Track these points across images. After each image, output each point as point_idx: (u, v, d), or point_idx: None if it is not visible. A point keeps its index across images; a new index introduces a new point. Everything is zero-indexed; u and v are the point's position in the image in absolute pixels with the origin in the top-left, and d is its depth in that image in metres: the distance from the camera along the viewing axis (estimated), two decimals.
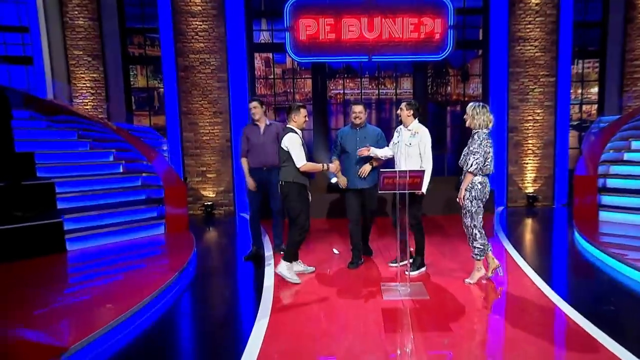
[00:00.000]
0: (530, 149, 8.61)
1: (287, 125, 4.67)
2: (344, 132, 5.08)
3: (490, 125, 4.34)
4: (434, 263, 5.19)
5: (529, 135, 8.59)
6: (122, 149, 7.37)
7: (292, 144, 4.51)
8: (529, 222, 7.84)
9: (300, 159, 4.50)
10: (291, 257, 4.71)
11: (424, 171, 4.25)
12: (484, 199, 4.36)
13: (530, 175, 8.64)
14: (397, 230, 4.46)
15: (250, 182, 5.36)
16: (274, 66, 9.25)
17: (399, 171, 4.16)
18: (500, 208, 8.45)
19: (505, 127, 8.53)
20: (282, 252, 5.08)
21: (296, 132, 4.61)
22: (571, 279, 5.07)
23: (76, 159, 6.99)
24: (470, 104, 4.38)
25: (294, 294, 4.44)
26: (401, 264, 4.55)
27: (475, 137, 4.30)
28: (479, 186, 4.30)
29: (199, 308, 4.40)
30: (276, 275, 4.80)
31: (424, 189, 4.49)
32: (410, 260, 4.81)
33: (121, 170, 7.18)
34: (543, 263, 5.49)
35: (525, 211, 8.38)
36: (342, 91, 9.36)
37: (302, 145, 4.59)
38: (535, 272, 4.84)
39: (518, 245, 6.03)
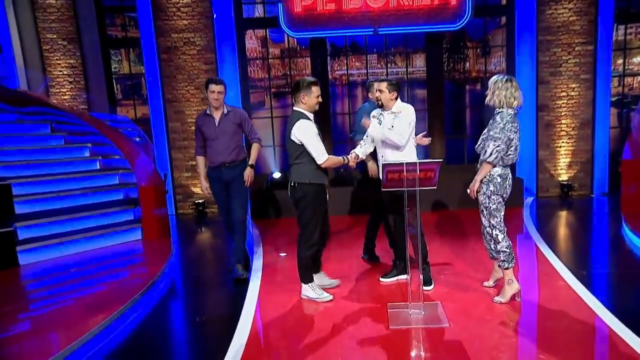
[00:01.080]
0: (563, 130, 7.43)
1: (296, 109, 3.66)
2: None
3: (516, 104, 3.38)
4: (453, 272, 4.24)
5: (563, 114, 7.41)
6: (98, 143, 6.53)
7: (307, 134, 3.53)
8: (563, 215, 6.79)
9: (320, 153, 3.54)
10: (306, 277, 3.81)
11: (439, 162, 3.24)
12: (505, 195, 3.47)
13: (564, 161, 7.48)
14: (404, 235, 3.49)
15: (204, 185, 4.46)
16: (267, 44, 8.23)
17: (406, 163, 3.17)
18: (530, 199, 7.33)
19: (535, 106, 7.37)
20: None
21: (308, 118, 3.62)
22: (622, 288, 4.04)
23: (48, 154, 6.18)
24: (495, 76, 3.47)
25: (276, 323, 3.51)
26: (402, 277, 3.91)
27: (498, 118, 3.37)
28: (498, 179, 3.38)
29: (155, 345, 3.47)
30: (261, 298, 3.91)
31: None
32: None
33: (98, 167, 6.35)
34: (586, 266, 4.49)
35: (559, 202, 7.25)
36: (346, 72, 8.31)
37: (318, 133, 3.62)
38: (577, 277, 3.88)
39: (552, 243, 5.05)
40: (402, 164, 3.16)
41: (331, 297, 3.76)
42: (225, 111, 4.28)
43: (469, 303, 3.58)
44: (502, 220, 3.49)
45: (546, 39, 7.30)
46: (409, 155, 3.72)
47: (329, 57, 8.08)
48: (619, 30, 8.02)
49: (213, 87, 4.17)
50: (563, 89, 7.37)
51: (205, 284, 4.69)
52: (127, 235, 5.56)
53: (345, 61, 8.29)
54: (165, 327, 3.76)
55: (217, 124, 4.26)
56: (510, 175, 3.47)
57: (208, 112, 4.30)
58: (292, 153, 3.65)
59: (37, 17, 7.48)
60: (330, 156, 3.60)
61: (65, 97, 7.68)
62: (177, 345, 3.48)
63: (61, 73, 7.64)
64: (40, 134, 6.50)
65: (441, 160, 3.38)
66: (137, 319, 3.70)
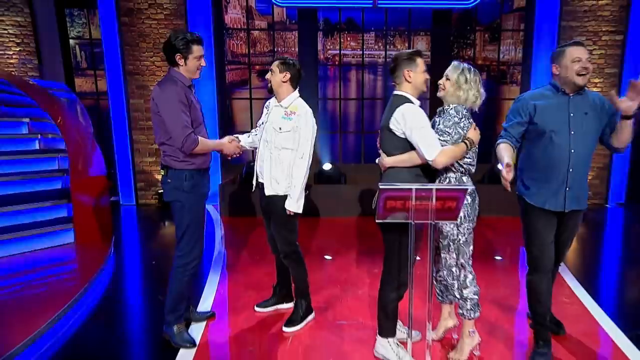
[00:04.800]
0: None
1: (397, 92, 2.38)
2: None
3: (477, 105, 2.44)
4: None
5: None
6: (38, 118, 5.17)
7: (418, 122, 2.23)
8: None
9: (433, 147, 2.17)
10: (388, 329, 2.52)
11: (466, 190, 2.00)
12: (474, 219, 2.44)
13: None
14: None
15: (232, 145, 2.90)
16: (250, 14, 6.83)
17: (416, 189, 1.92)
18: None
19: None
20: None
21: (413, 102, 2.33)
22: None
23: None
24: (455, 63, 2.44)
25: None
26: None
27: (452, 111, 2.40)
28: (468, 199, 2.34)
29: None
30: (198, 357, 2.69)
31: (294, 208, 2.74)
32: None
33: (37, 147, 5.00)
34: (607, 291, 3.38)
35: None
36: (339, 52, 6.98)
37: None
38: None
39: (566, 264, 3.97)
40: (410, 189, 1.90)
41: None
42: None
43: None
44: (471, 257, 2.46)
45: (570, 25, 6.06)
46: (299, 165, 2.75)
47: (321, 34, 6.75)
48: None
49: (201, 49, 2.67)
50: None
51: (145, 303, 3.47)
52: (60, 236, 4.28)
53: (338, 39, 6.94)
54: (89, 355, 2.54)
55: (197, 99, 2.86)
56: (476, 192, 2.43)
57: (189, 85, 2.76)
58: (388, 149, 2.37)
59: None
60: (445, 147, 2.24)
61: (11, 62, 6.28)
62: None
63: (5, 32, 6.22)
64: None
65: (468, 187, 2.12)
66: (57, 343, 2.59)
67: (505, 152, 2.37)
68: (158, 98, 2.59)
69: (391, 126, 2.30)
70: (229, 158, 3.00)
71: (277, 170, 2.76)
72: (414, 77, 2.33)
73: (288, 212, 2.76)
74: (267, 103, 2.96)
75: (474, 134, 2.33)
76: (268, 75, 2.78)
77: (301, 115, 2.74)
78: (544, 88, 2.46)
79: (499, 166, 2.27)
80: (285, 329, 2.92)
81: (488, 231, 5.03)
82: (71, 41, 6.77)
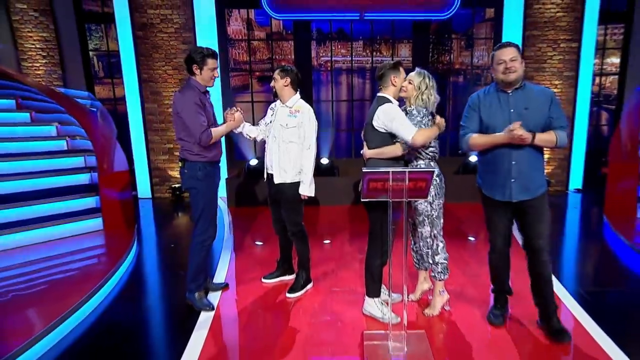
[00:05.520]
0: None
1: (381, 94, 2.69)
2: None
3: (433, 106, 2.76)
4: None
5: None
6: (66, 122, 5.41)
7: (396, 115, 2.55)
8: None
9: (411, 129, 2.49)
10: (373, 290, 2.84)
11: (432, 172, 2.30)
12: (443, 196, 2.78)
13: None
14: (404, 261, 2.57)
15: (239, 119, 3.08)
16: (250, 27, 7.08)
17: (393, 172, 2.22)
18: None
19: None
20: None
21: (392, 102, 2.64)
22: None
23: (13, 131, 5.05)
24: (419, 70, 2.74)
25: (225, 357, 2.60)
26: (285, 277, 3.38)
27: (414, 112, 2.71)
28: (437, 180, 2.63)
29: (111, 342, 2.59)
30: (216, 321, 2.97)
31: (307, 192, 3.04)
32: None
33: (66, 148, 5.25)
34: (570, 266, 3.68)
35: None
36: (330, 58, 7.24)
37: None
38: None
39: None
40: (387, 171, 2.20)
41: (398, 319, 2.70)
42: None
43: (457, 332, 2.71)
44: (442, 229, 2.79)
45: (532, 34, 6.36)
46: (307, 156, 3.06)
47: (314, 43, 7.01)
48: (598, 31, 7.10)
49: (214, 62, 2.94)
50: (546, 86, 6.44)
51: (166, 280, 3.75)
52: (88, 224, 4.54)
53: (330, 47, 7.20)
54: (113, 331, 2.81)
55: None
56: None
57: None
58: (372, 143, 2.68)
59: None
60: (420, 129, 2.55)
61: (38, 72, 6.50)
62: (136, 340, 2.64)
63: (33, 46, 6.43)
64: (5, 109, 5.34)
65: (435, 169, 2.45)
66: (87, 321, 2.92)
67: (482, 136, 2.43)
68: (178, 102, 2.87)
69: (374, 122, 2.60)
70: (240, 131, 3.17)
71: (284, 161, 3.03)
72: (398, 81, 2.65)
73: (302, 197, 3.05)
74: (272, 105, 3.23)
75: (440, 121, 2.62)
76: (273, 83, 3.06)
77: (304, 113, 3.03)
78: (490, 87, 2.52)
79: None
80: (288, 295, 3.23)
81: (463, 215, 5.32)
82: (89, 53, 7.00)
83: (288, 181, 3.06)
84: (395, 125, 2.52)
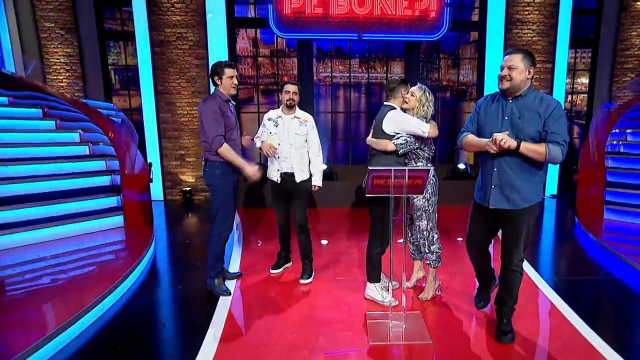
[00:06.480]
0: None
1: (388, 103, 2.99)
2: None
3: (430, 116, 3.00)
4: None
5: None
6: (88, 129, 5.59)
7: (406, 118, 2.88)
8: None
9: (424, 125, 2.83)
10: (373, 276, 3.07)
11: (428, 170, 2.54)
12: (437, 193, 3.03)
13: None
14: (403, 248, 2.79)
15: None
16: (256, 44, 7.34)
17: (394, 170, 2.45)
18: None
19: None
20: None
21: (397, 109, 2.96)
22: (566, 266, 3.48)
23: (39, 137, 5.21)
24: (420, 85, 2.99)
25: (242, 340, 2.78)
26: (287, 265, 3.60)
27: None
28: (434, 179, 2.88)
29: (136, 331, 2.72)
30: (235, 304, 3.16)
31: (319, 182, 3.44)
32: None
33: (88, 153, 5.41)
34: (546, 262, 3.90)
35: None
36: (330, 74, 7.51)
37: None
38: (551, 286, 3.23)
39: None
40: (390, 170, 2.43)
41: (396, 302, 2.89)
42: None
43: (447, 313, 2.92)
44: (436, 222, 3.04)
45: None
46: (319, 154, 3.46)
47: (315, 60, 7.27)
48: (569, 54, 7.49)
49: (232, 71, 3.13)
50: None
51: (184, 272, 3.91)
52: (109, 221, 4.71)
53: (329, 64, 7.48)
54: (140, 316, 2.98)
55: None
56: None
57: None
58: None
59: (35, 6, 6.41)
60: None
61: (62, 84, 6.67)
62: (151, 337, 2.74)
63: (58, 61, 6.62)
64: (32, 118, 5.51)
65: (430, 167, 2.69)
66: (115, 307, 3.05)
67: (473, 138, 2.39)
68: (201, 109, 3.09)
69: (384, 127, 2.86)
70: (245, 179, 3.28)
71: (303, 163, 3.35)
72: (404, 93, 2.94)
73: (314, 188, 3.41)
74: (269, 115, 3.41)
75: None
76: (292, 96, 3.27)
77: (310, 121, 3.35)
78: (494, 93, 2.45)
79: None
80: (302, 281, 3.44)
81: (452, 217, 5.54)
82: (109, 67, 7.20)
83: (305, 178, 3.38)
84: (409, 127, 2.81)
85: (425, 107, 2.94)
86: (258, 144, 3.44)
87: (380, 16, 6.10)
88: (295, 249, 3.69)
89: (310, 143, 3.36)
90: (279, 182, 3.41)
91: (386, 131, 2.86)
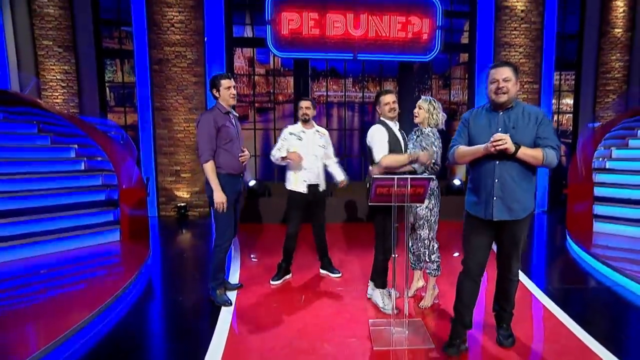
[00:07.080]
0: None
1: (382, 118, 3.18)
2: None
3: (442, 123, 3.15)
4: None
5: None
6: (84, 145, 5.65)
7: (375, 137, 3.07)
8: None
9: (381, 151, 3.02)
10: (380, 282, 3.23)
11: (430, 179, 2.69)
12: (439, 205, 3.15)
13: None
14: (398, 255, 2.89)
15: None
16: (254, 64, 7.58)
17: (397, 179, 2.59)
18: None
19: None
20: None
21: (382, 123, 3.13)
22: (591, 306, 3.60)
23: (34, 153, 5.25)
24: (424, 97, 3.14)
25: (247, 345, 2.82)
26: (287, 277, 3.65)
27: (429, 133, 3.08)
28: (437, 191, 3.01)
29: (131, 347, 2.72)
30: (237, 313, 3.20)
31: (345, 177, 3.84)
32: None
33: (83, 168, 5.45)
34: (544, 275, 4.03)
35: None
36: (325, 93, 7.76)
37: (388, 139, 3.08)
38: (551, 298, 3.36)
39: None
40: (393, 179, 2.57)
41: (397, 311, 2.93)
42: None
43: (447, 319, 3.01)
44: (436, 232, 3.17)
45: None
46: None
47: (310, 79, 7.52)
48: (555, 76, 7.90)
49: (228, 82, 3.20)
50: None
51: (182, 285, 3.93)
52: (106, 236, 4.72)
53: (324, 83, 7.74)
54: (141, 328, 3.00)
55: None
56: None
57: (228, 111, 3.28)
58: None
59: (34, 24, 6.55)
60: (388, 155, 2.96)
61: (57, 101, 6.76)
62: (154, 347, 2.75)
63: (55, 78, 6.72)
64: (27, 134, 5.55)
65: (432, 177, 2.83)
66: (113, 320, 3.03)
67: (467, 148, 2.36)
68: (197, 123, 3.19)
69: (367, 139, 3.05)
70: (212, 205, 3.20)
71: (322, 174, 3.67)
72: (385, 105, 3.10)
73: (341, 184, 3.83)
74: (290, 130, 3.61)
75: (421, 155, 2.91)
76: (306, 111, 3.54)
77: (325, 134, 3.71)
78: (483, 105, 2.44)
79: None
80: (334, 275, 3.90)
81: (447, 232, 5.67)
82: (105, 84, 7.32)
83: (325, 188, 3.73)
84: (372, 146, 3.00)
85: (435, 116, 3.10)
86: (278, 156, 3.57)
87: (375, 38, 6.40)
88: (295, 261, 3.78)
89: (329, 151, 3.76)
90: (305, 192, 3.61)
91: (368, 144, 3.05)
